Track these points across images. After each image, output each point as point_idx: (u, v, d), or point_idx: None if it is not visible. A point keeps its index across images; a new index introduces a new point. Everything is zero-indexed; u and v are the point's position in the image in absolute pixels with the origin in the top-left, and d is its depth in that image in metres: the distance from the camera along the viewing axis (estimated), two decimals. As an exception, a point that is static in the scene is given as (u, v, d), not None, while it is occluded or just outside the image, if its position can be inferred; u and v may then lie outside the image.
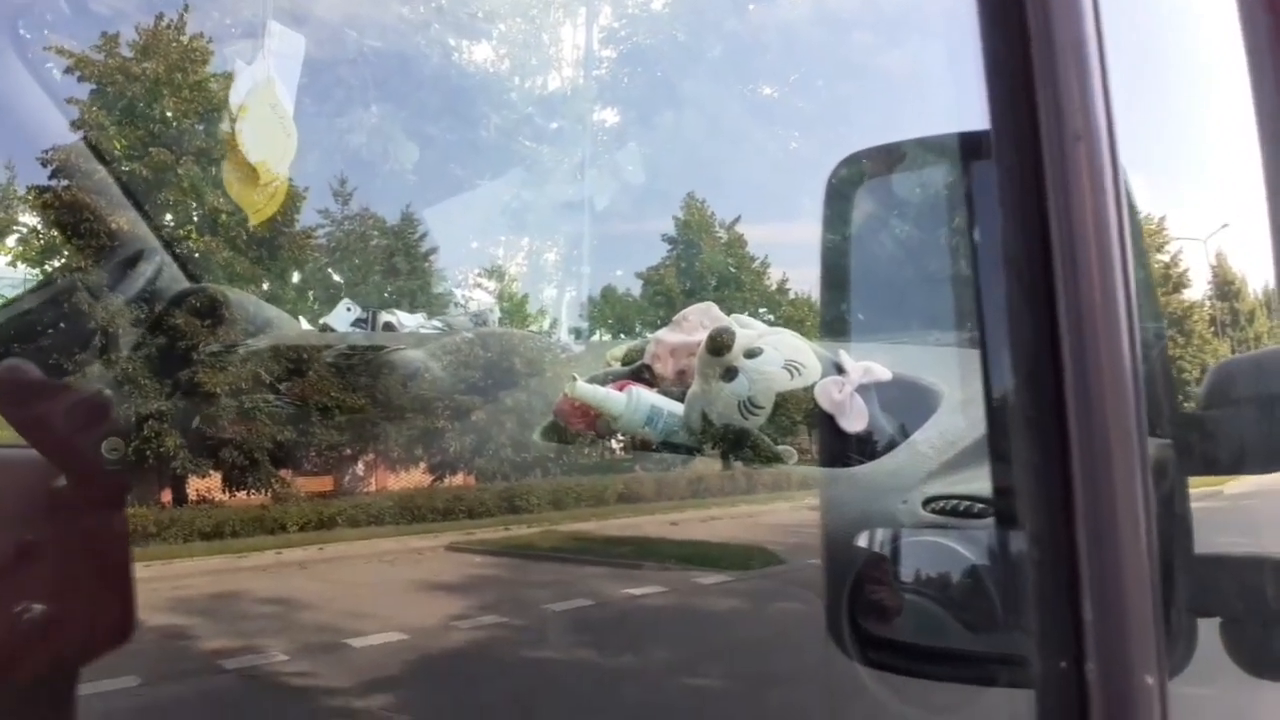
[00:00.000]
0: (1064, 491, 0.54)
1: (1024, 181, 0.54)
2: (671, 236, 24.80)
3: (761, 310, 22.24)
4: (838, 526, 1.08)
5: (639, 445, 1.61)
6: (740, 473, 15.58)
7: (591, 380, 1.66)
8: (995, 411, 0.63)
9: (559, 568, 10.12)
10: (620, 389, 1.62)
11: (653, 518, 13.61)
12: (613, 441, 1.72)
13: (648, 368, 1.69)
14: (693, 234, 23.85)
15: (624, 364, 1.80)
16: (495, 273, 21.86)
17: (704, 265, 23.16)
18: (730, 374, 1.44)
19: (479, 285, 21.44)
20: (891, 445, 1.20)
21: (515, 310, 20.55)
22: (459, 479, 15.44)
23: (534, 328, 20.68)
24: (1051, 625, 0.55)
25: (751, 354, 1.46)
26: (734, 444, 1.40)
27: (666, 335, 1.73)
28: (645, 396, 1.59)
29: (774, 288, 24.63)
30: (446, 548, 11.52)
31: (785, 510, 13.93)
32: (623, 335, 22.90)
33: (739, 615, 7.84)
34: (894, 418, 1.29)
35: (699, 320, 1.69)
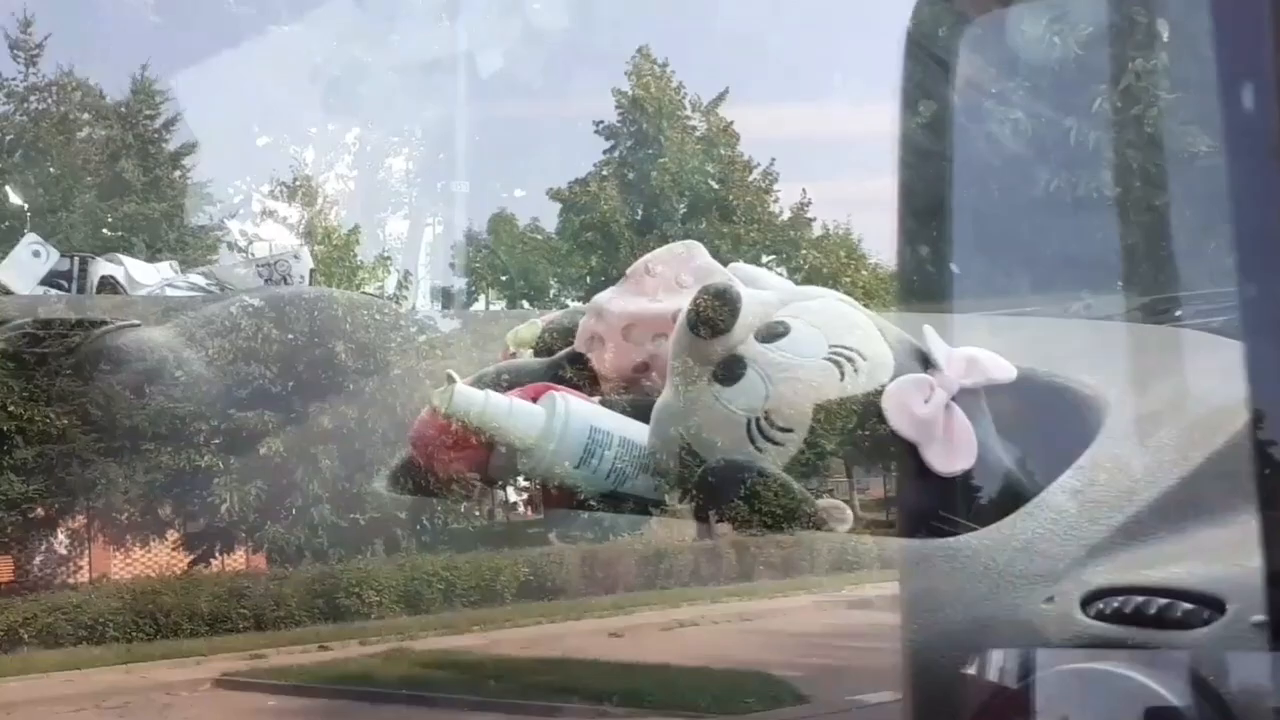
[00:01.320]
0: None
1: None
2: (611, 125, 23.98)
3: (767, 260, 21.86)
4: (930, 640, 1.08)
5: (555, 498, 1.60)
6: (729, 544, 15.39)
7: (480, 383, 1.62)
8: (1266, 440, 0.59)
9: (418, 715, 10.01)
10: (534, 397, 1.58)
11: (581, 625, 13.56)
12: (509, 490, 1.70)
13: (580, 360, 1.68)
14: (647, 120, 23.32)
15: (539, 352, 1.78)
16: (301, 189, 21.34)
17: (665, 175, 22.77)
18: (732, 370, 1.41)
19: (271, 213, 20.90)
20: (1019, 496, 1.17)
21: (338, 257, 20.12)
22: (238, 559, 15.17)
23: (371, 287, 20.31)
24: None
25: (770, 335, 1.44)
26: (740, 496, 1.36)
27: (614, 301, 1.71)
28: (579, 411, 1.55)
29: (786, 216, 23.84)
30: (217, 682, 11.44)
31: (807, 609, 13.99)
32: (527, 303, 22.41)
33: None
34: (1021, 446, 1.29)
35: (673, 275, 1.68)
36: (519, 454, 1.56)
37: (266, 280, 14.03)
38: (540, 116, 25.95)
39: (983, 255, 1.28)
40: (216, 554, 15.11)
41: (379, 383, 13.53)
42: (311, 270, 15.59)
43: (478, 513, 16.28)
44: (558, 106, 26.15)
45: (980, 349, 1.33)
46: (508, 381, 1.69)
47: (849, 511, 1.47)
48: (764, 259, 21.90)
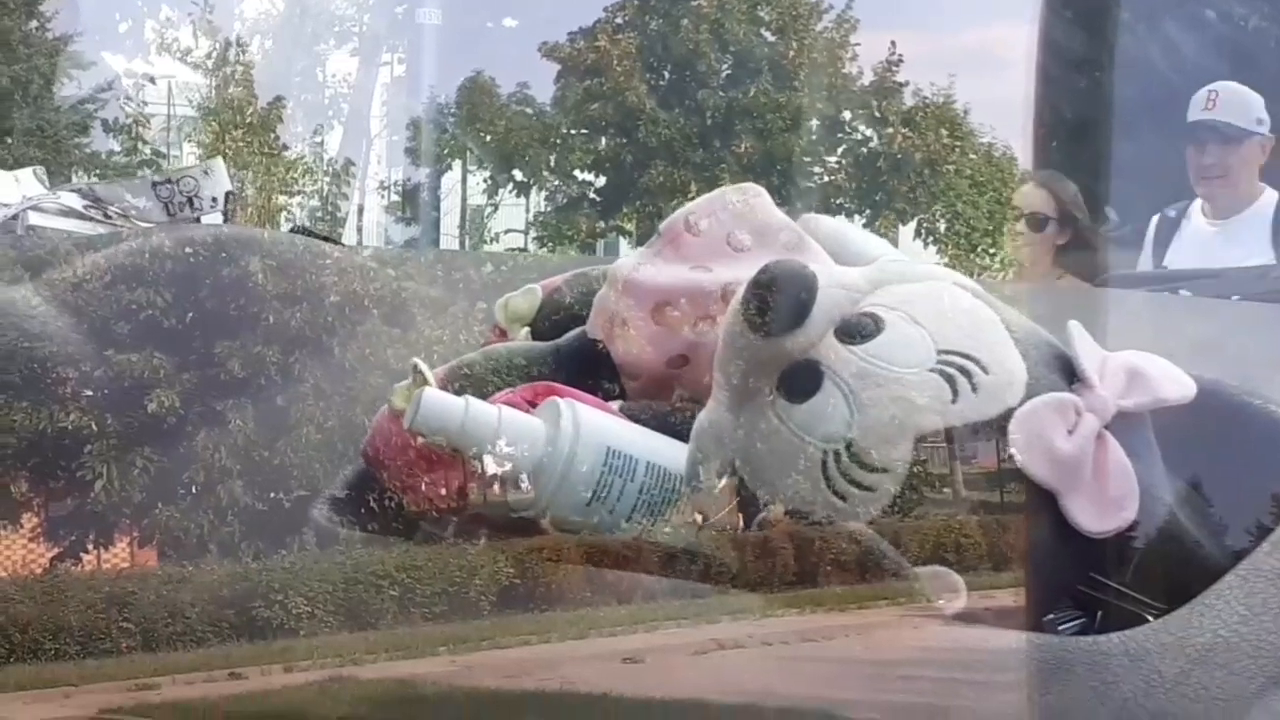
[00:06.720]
0: None
1: None
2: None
3: (839, 151, 21.29)
4: None
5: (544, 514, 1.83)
6: (785, 535, 14.99)
7: (456, 377, 1.76)
8: None
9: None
10: (531, 401, 1.65)
11: (584, 646, 13.18)
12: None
13: (592, 348, 1.69)
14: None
15: (539, 331, 1.87)
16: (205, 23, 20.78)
17: (702, 26, 22.22)
18: (802, 381, 1.46)
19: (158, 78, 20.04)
20: (1203, 570, 1.20)
21: (253, 143, 19.64)
22: (119, 554, 14.74)
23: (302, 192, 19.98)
24: None
25: (856, 333, 1.50)
26: (809, 563, 1.54)
27: (642, 269, 1.75)
28: (592, 425, 1.64)
29: (866, 80, 23.24)
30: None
31: (891, 626, 13.68)
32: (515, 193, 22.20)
33: None
34: (1205, 496, 1.30)
35: (724, 233, 1.71)
36: (508, 483, 1.59)
37: (166, 205, 13.27)
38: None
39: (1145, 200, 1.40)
40: (89, 547, 14.50)
41: (308, 313, 12.79)
42: (229, 193, 14.97)
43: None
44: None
45: (1147, 355, 1.32)
46: (494, 378, 1.73)
47: (959, 581, 1.50)
48: (834, 146, 21.25)
